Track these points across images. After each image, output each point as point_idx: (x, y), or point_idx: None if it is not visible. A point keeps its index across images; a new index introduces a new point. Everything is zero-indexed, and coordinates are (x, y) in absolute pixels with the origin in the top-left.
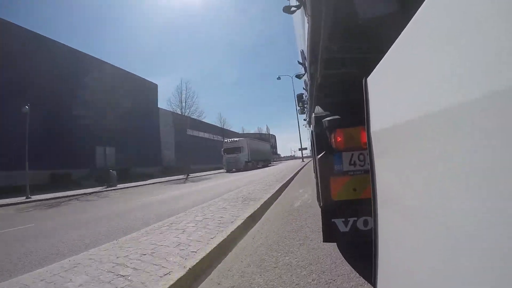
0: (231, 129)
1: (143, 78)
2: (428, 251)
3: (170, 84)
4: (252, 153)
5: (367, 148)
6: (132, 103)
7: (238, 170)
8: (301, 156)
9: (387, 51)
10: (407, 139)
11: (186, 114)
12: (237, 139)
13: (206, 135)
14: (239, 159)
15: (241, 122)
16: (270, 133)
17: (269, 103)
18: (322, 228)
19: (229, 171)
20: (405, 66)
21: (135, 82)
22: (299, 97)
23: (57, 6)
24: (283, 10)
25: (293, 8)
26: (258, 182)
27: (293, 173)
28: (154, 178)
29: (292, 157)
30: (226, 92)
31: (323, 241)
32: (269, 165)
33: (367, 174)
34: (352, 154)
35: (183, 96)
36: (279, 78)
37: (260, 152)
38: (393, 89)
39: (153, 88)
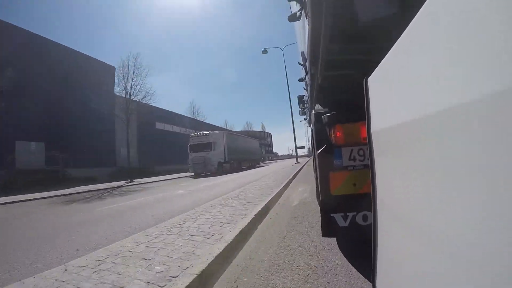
0: (205, 121)
1: (95, 58)
2: (427, 250)
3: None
4: (231, 151)
5: (368, 147)
6: (76, 88)
7: (211, 174)
8: (297, 155)
9: (387, 52)
10: (407, 139)
11: (132, 98)
12: (208, 132)
13: (183, 130)
14: (209, 160)
15: (237, 121)
16: (266, 131)
17: (267, 102)
18: (321, 223)
19: (197, 174)
20: (405, 67)
21: (82, 62)
22: (300, 99)
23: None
24: (288, 19)
25: (298, 14)
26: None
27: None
28: (91, 184)
29: (290, 156)
30: (221, 92)
31: (322, 236)
32: (257, 165)
33: (367, 169)
34: (352, 149)
35: (131, 73)
36: (265, 51)
37: (245, 151)
38: (394, 89)
39: (108, 71)
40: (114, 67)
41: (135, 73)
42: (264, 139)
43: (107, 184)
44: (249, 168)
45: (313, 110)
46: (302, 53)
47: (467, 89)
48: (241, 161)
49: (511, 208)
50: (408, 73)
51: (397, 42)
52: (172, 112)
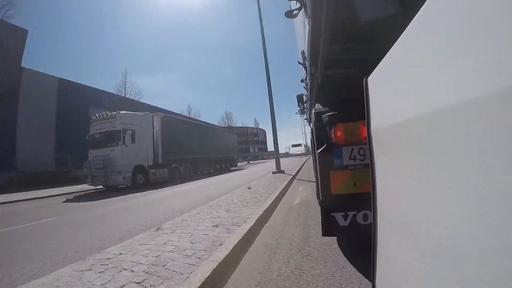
0: (145, 102)
1: None
2: (427, 249)
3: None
4: (172, 148)
5: (367, 147)
6: None
7: (130, 189)
8: (278, 158)
9: (387, 52)
10: (407, 138)
11: None
12: (115, 112)
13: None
14: (114, 163)
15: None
16: (260, 127)
17: (263, 101)
18: (321, 222)
19: (102, 187)
20: (405, 66)
21: None
22: (299, 98)
23: None
24: (285, 15)
25: (295, 12)
26: None
27: None
28: None
29: (286, 155)
30: (212, 90)
31: (322, 235)
32: (232, 168)
33: (367, 168)
34: (352, 149)
35: None
36: None
37: (207, 147)
38: (394, 88)
39: (16, 35)
40: (26, 31)
41: None
42: (257, 136)
43: None
44: (214, 173)
45: (313, 109)
46: (302, 53)
47: (467, 88)
48: (197, 164)
49: (510, 209)
50: (408, 72)
51: (397, 41)
52: (115, 95)
